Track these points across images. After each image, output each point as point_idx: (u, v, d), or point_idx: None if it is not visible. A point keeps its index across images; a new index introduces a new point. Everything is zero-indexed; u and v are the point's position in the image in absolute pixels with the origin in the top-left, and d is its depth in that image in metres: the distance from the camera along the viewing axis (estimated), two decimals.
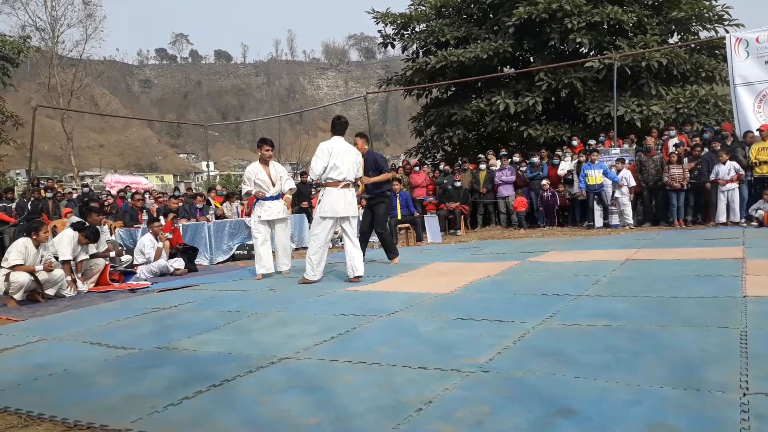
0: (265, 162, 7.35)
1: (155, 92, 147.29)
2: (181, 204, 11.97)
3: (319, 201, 6.54)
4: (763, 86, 11.18)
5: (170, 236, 9.23)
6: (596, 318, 3.77)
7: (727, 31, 15.16)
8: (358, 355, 3.27)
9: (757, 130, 10.50)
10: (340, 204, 6.39)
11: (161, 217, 10.13)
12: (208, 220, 10.75)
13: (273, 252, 7.44)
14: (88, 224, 7.50)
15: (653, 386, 2.48)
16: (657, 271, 5.47)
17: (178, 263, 8.84)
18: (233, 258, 10.63)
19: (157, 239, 8.73)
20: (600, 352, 3.03)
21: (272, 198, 7.28)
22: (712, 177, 10.12)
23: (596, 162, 11.19)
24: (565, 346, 3.17)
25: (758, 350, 2.85)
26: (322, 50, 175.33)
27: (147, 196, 14.77)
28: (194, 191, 16.51)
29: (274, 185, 7.28)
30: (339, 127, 6.63)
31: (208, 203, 12.90)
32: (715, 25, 16.48)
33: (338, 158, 6.36)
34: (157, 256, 8.59)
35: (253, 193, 7.30)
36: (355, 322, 4.16)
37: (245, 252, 10.70)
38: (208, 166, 37.40)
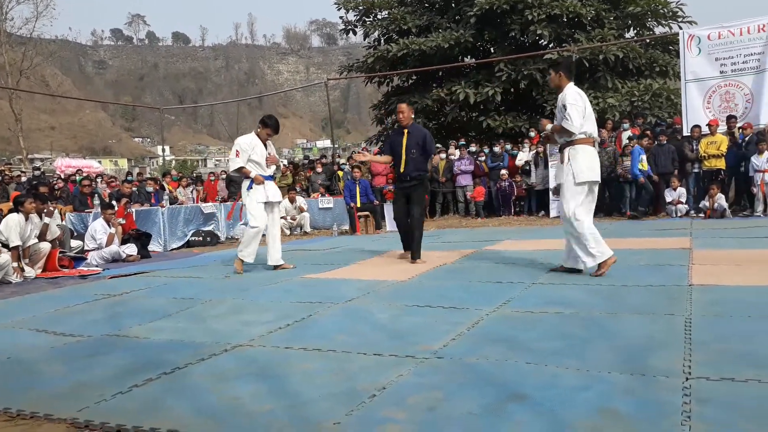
0: (261, 139, 6.35)
1: (110, 74, 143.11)
2: (134, 189, 11.70)
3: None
4: (713, 82, 11.52)
5: (123, 222, 9.01)
6: (549, 305, 3.85)
7: (681, 28, 15.58)
8: (314, 342, 3.26)
9: (706, 125, 10.82)
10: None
11: (114, 202, 9.88)
12: (162, 206, 10.53)
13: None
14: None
15: (602, 372, 2.54)
16: None
17: (131, 249, 8.65)
18: (188, 245, 10.46)
19: (109, 225, 8.51)
20: (551, 338, 3.09)
21: (269, 178, 6.40)
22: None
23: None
24: (518, 333, 3.22)
25: (701, 337, 2.95)
26: (283, 35, 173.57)
27: (99, 180, 14.39)
28: (148, 176, 16.16)
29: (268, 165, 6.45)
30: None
31: (163, 188, 12.65)
32: (670, 21, 16.91)
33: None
34: (109, 242, 8.38)
35: (251, 175, 6.20)
36: (311, 309, 4.14)
37: (200, 238, 10.55)
38: (163, 150, 36.55)
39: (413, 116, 6.58)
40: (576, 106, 4.71)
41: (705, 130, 10.74)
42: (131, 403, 2.49)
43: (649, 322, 3.31)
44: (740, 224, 8.46)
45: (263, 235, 6.39)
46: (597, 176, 4.86)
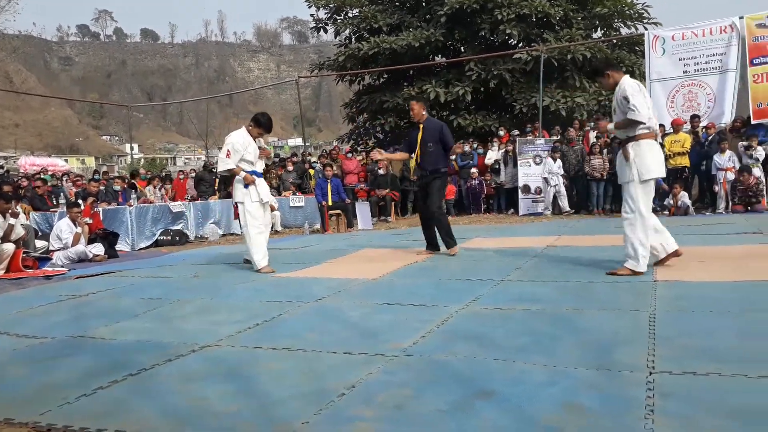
0: (253, 136, 6.11)
1: (76, 70, 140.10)
2: (102, 187, 11.49)
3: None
4: (676, 82, 11.77)
5: (89, 221, 8.85)
6: (517, 302, 3.89)
7: (646, 29, 15.88)
8: (283, 341, 3.24)
9: (670, 124, 11.04)
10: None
11: (80, 201, 9.69)
12: (130, 205, 10.36)
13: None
14: None
15: (568, 368, 2.57)
16: (576, 257, 5.68)
17: (98, 249, 8.49)
18: (156, 244, 10.31)
19: (75, 224, 8.34)
20: (519, 335, 3.12)
21: (260, 175, 6.19)
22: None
23: None
24: (487, 330, 3.25)
25: (664, 332, 3.01)
26: (253, 32, 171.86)
27: (65, 179, 14.10)
28: (116, 174, 15.90)
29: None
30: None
31: (131, 187, 12.45)
32: (636, 22, 17.24)
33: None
34: (75, 242, 8.21)
35: (241, 175, 5.94)
36: (281, 308, 4.12)
37: (169, 238, 10.40)
38: (131, 148, 35.95)
39: (424, 112, 6.58)
40: (636, 96, 4.49)
41: (669, 129, 10.96)
42: (95, 405, 2.45)
43: (615, 318, 3.37)
44: (703, 221, 8.65)
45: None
46: (663, 172, 4.73)
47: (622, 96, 4.57)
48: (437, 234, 6.49)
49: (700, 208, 10.30)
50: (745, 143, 10.11)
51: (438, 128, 6.44)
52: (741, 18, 11.26)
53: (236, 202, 6.12)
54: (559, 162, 11.52)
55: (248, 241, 6.04)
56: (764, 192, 9.65)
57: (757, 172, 9.71)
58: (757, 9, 11.49)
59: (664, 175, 4.76)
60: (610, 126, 4.83)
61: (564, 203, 11.47)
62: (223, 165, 6.02)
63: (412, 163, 13.41)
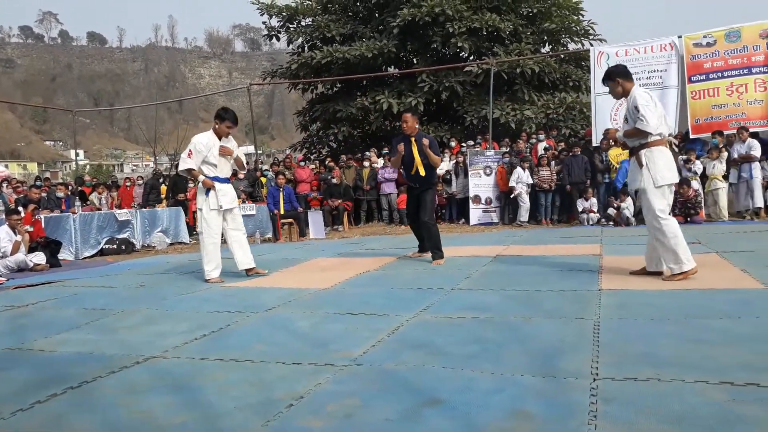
0: (219, 137, 5.91)
1: (18, 73, 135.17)
2: (44, 194, 11.10)
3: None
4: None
5: (30, 229, 8.54)
6: (466, 311, 3.93)
7: (592, 45, 16.39)
8: (231, 352, 3.19)
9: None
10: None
11: (20, 208, 9.33)
12: (73, 212, 10.04)
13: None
14: None
15: (515, 375, 2.61)
16: (524, 267, 5.79)
17: (39, 258, 8.20)
18: (101, 253, 10.01)
19: (14, 232, 8.04)
20: (468, 343, 3.16)
21: (225, 180, 5.97)
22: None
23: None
24: (436, 338, 3.27)
25: (608, 339, 3.09)
26: (205, 38, 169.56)
27: (5, 185, 13.54)
28: (59, 181, 15.38)
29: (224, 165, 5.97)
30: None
31: (75, 194, 12.07)
32: (582, 38, 17.79)
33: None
34: (15, 250, 7.91)
35: (199, 179, 5.79)
36: (229, 319, 4.05)
37: (115, 246, 10.12)
38: (77, 155, 34.87)
39: (417, 125, 6.63)
40: (648, 106, 4.52)
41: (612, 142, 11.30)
42: (32, 420, 2.36)
43: (561, 326, 3.44)
44: (645, 232, 8.93)
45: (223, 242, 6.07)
46: (676, 177, 4.72)
47: (633, 106, 4.62)
48: (428, 240, 6.61)
49: (642, 220, 10.62)
50: (684, 157, 10.52)
51: (428, 142, 6.49)
52: (680, 37, 11.75)
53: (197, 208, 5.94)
54: (527, 172, 11.63)
55: (202, 249, 5.90)
56: (702, 204, 10.05)
57: (695, 184, 10.11)
58: (695, 29, 12.02)
59: (677, 181, 4.76)
60: (620, 134, 4.90)
61: (524, 215, 11.57)
62: (183, 164, 5.85)
63: (366, 172, 13.47)
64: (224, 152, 5.90)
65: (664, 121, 4.66)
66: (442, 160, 6.84)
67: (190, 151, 5.78)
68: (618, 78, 4.78)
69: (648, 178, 4.60)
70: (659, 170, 4.57)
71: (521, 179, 11.51)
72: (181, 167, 5.93)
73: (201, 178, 5.80)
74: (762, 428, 1.93)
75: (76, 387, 2.73)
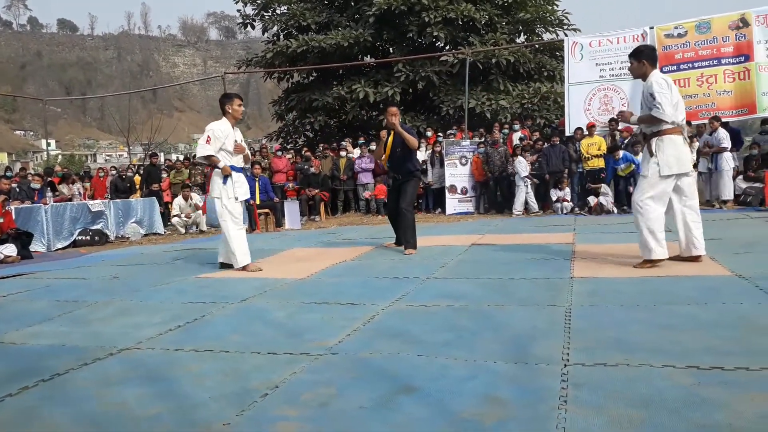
0: (232, 121, 5.80)
1: None
2: (14, 185, 10.89)
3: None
4: (593, 86, 12.31)
5: (0, 220, 8.37)
6: (441, 299, 3.97)
7: (566, 35, 16.51)
8: (206, 343, 3.18)
9: (587, 127, 11.52)
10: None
11: None
12: (45, 203, 9.87)
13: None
14: None
15: (488, 361, 2.65)
16: (498, 255, 5.85)
17: (9, 250, 8.07)
18: (74, 244, 9.87)
19: None
20: (442, 331, 3.19)
21: (240, 170, 5.88)
22: None
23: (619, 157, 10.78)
24: (411, 327, 3.30)
25: (579, 326, 3.15)
26: (179, 27, 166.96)
27: None
28: (31, 171, 15.10)
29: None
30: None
31: (49, 185, 11.86)
32: (557, 28, 17.89)
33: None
34: None
35: (220, 165, 5.64)
36: (204, 310, 4.04)
37: (88, 238, 9.99)
38: (48, 144, 34.17)
39: (398, 119, 6.54)
40: (663, 93, 4.49)
41: (584, 131, 11.44)
42: (3, 413, 2.34)
43: (534, 313, 3.50)
44: (618, 220, 9.08)
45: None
46: (685, 168, 4.64)
47: (648, 92, 4.62)
48: (403, 228, 6.52)
49: (617, 209, 10.78)
50: None
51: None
52: (651, 28, 11.90)
53: (213, 197, 5.82)
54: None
55: (228, 239, 5.73)
56: None
57: None
58: (666, 20, 12.19)
59: (684, 171, 4.65)
60: (634, 118, 4.87)
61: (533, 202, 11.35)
62: (202, 150, 5.67)
63: (342, 162, 13.45)
64: (239, 150, 5.82)
65: (678, 108, 4.62)
66: (419, 144, 6.74)
67: (208, 137, 5.65)
68: (644, 60, 4.72)
69: (654, 166, 4.60)
70: (666, 160, 4.56)
71: (522, 167, 11.28)
72: (200, 153, 5.73)
73: (222, 164, 5.67)
74: (725, 410, 1.99)
75: (48, 379, 2.71)
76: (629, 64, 4.86)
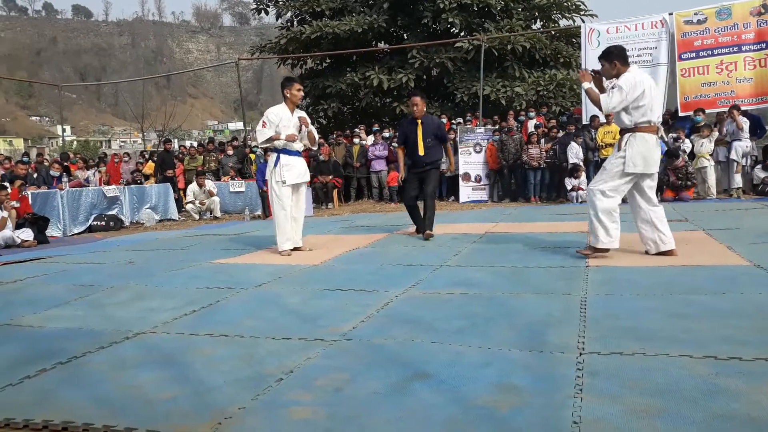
0: (290, 106, 5.87)
1: (3, 47, 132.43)
2: (31, 170, 10.99)
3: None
4: None
5: (17, 205, 8.47)
6: (455, 287, 3.96)
7: (583, 21, 16.29)
8: (220, 328, 3.20)
9: (606, 115, 11.38)
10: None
11: (6, 184, 9.23)
12: (61, 188, 9.96)
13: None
14: None
15: (502, 349, 2.65)
16: (512, 244, 5.82)
17: (26, 234, 8.16)
18: (90, 230, 9.97)
19: (1, 208, 7.96)
20: (456, 318, 3.18)
21: (296, 154, 5.90)
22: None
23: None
24: (425, 314, 3.30)
25: (594, 314, 3.13)
26: (192, 13, 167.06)
27: None
28: (47, 157, 15.22)
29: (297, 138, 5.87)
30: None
31: (66, 170, 11.98)
32: (573, 14, 17.65)
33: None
34: (1, 227, 7.85)
35: (280, 143, 5.73)
36: (219, 295, 4.06)
37: (103, 223, 10.08)
38: (63, 130, 34.40)
39: (425, 109, 6.63)
40: (622, 90, 4.51)
41: (602, 120, 11.31)
42: (22, 395, 2.36)
43: (548, 302, 3.48)
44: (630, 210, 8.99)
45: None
46: (651, 168, 4.61)
47: (611, 85, 4.67)
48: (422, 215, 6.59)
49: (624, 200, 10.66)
50: (674, 135, 10.54)
51: (436, 125, 6.66)
52: (671, 14, 11.70)
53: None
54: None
55: (275, 220, 5.89)
56: (693, 178, 10.10)
57: (682, 163, 10.15)
58: (686, 6, 11.99)
59: (649, 172, 4.62)
60: (587, 85, 4.91)
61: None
62: (260, 135, 5.79)
63: (356, 149, 13.42)
64: (290, 138, 5.79)
65: (653, 109, 4.59)
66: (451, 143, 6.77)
67: (263, 122, 5.75)
68: (615, 60, 4.72)
69: (619, 160, 4.60)
70: (633, 157, 4.55)
71: (578, 155, 11.09)
72: (260, 138, 5.83)
73: (282, 137, 5.70)
74: (744, 400, 1.97)
75: (65, 362, 2.74)
76: (604, 66, 4.82)
